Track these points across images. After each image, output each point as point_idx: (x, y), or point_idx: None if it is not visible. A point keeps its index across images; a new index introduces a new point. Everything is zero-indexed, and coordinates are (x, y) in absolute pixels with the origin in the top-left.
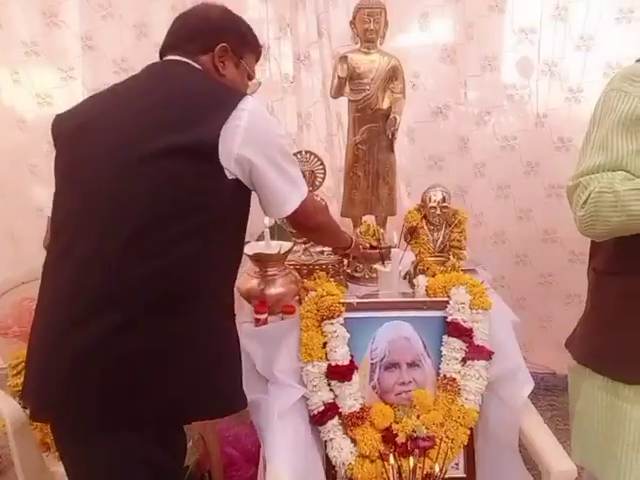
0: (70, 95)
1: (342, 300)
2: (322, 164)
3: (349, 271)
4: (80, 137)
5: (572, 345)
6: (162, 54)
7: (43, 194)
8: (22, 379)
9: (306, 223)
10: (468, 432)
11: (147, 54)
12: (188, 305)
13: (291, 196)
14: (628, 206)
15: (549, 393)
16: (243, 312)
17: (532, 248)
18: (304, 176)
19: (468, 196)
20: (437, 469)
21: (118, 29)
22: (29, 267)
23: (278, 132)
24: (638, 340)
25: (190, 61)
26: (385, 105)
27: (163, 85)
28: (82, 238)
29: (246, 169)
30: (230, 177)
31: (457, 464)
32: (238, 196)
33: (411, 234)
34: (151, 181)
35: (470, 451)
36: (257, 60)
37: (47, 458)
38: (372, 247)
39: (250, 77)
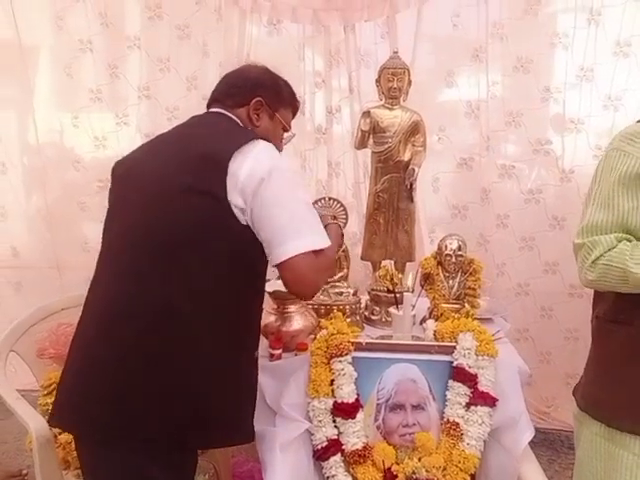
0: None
1: (351, 339)
2: (344, 210)
3: (366, 313)
4: (127, 177)
5: (576, 392)
6: (207, 107)
7: (89, 229)
8: (52, 399)
9: (303, 279)
10: (468, 478)
11: (196, 104)
12: (200, 335)
13: (292, 239)
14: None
15: (572, 452)
16: (260, 346)
17: (558, 302)
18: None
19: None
20: None
21: (173, 81)
22: (69, 295)
23: (286, 174)
24: (629, 388)
25: (227, 112)
26: (406, 157)
27: (194, 132)
28: (117, 260)
29: (247, 210)
30: (242, 222)
31: None
32: (253, 240)
33: (426, 280)
34: (171, 214)
35: None
36: (294, 114)
37: (66, 475)
38: (389, 291)
39: (285, 129)
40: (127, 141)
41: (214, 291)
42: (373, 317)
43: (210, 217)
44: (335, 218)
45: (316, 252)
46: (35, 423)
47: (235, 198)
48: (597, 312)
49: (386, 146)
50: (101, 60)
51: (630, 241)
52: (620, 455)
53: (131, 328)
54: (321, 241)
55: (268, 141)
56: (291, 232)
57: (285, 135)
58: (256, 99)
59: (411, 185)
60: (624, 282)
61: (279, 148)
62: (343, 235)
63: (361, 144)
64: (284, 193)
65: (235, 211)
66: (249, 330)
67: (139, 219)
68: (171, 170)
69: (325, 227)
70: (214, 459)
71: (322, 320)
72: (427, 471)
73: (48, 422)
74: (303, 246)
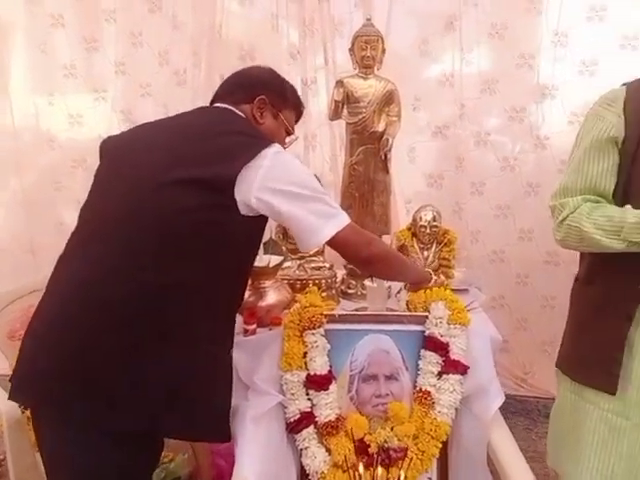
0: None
1: (324, 312)
2: (320, 183)
3: (343, 287)
4: (120, 156)
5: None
6: (211, 103)
7: (65, 209)
8: None
9: (353, 255)
10: (439, 445)
11: (167, 80)
12: (179, 328)
13: (321, 228)
14: (592, 239)
15: (548, 420)
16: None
17: (534, 269)
18: None
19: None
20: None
21: (145, 56)
22: (42, 276)
23: (302, 172)
24: (593, 345)
25: (233, 108)
26: (381, 127)
27: (203, 123)
28: (96, 241)
29: (268, 209)
30: (243, 213)
31: (430, 478)
32: (247, 232)
33: (401, 252)
34: (164, 205)
35: (443, 465)
36: (297, 119)
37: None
38: None
39: (288, 132)
40: (103, 118)
41: (192, 285)
42: (349, 291)
43: (208, 210)
44: None
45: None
46: (5, 405)
47: (247, 196)
48: (577, 275)
49: (360, 116)
50: (75, 35)
51: (597, 202)
52: (586, 409)
53: (101, 314)
54: (345, 218)
55: (271, 140)
56: (326, 214)
57: (287, 139)
58: (260, 97)
59: (385, 156)
60: (581, 241)
61: None
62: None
63: (335, 115)
64: (305, 190)
65: (240, 205)
66: (228, 320)
67: (124, 204)
68: (175, 160)
69: None
70: None
71: (298, 295)
72: (399, 440)
73: (9, 396)
74: (339, 223)
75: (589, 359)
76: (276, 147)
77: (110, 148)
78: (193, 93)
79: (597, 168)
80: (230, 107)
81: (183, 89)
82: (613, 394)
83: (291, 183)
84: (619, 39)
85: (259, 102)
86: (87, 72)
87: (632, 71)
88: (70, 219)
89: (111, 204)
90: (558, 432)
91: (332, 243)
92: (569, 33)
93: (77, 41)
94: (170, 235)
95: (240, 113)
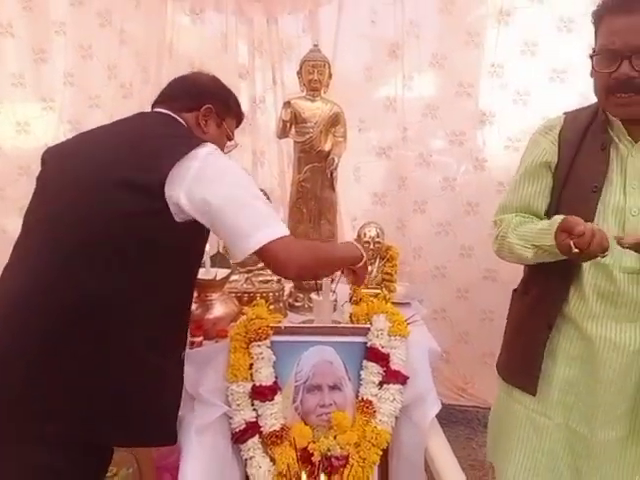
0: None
1: (270, 324)
2: (268, 198)
3: (290, 300)
4: (59, 165)
5: None
6: (152, 107)
7: (8, 219)
8: None
9: (280, 271)
10: (380, 452)
11: (115, 93)
12: (110, 331)
13: (251, 235)
14: (518, 253)
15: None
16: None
17: (473, 284)
18: None
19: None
20: None
21: (94, 69)
22: None
23: (237, 175)
24: (518, 349)
25: (173, 114)
26: (327, 147)
27: (139, 127)
28: (37, 248)
29: (198, 211)
30: (178, 219)
31: None
32: (185, 240)
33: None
34: (101, 211)
35: (384, 471)
36: (238, 125)
37: None
38: None
39: (229, 138)
40: (51, 128)
41: (136, 290)
42: (296, 304)
43: (142, 214)
44: None
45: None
46: None
47: (177, 197)
48: (516, 286)
49: (307, 136)
50: (24, 45)
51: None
52: (514, 408)
53: (44, 322)
54: (280, 231)
55: None
56: (260, 222)
57: (228, 144)
58: (206, 106)
59: (332, 174)
60: (510, 252)
61: None
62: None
63: (283, 133)
64: (240, 191)
65: (172, 209)
66: (174, 330)
67: (65, 210)
68: (109, 164)
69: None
70: (135, 451)
71: (245, 308)
72: (341, 448)
73: None
74: (272, 234)
75: (516, 362)
76: (209, 147)
77: (52, 155)
78: (140, 106)
79: (530, 189)
80: (169, 113)
81: (131, 102)
82: (533, 395)
83: (223, 184)
84: (549, 72)
85: (205, 111)
86: (35, 82)
87: (560, 102)
88: (12, 227)
89: (51, 210)
90: (494, 429)
91: (260, 254)
92: (505, 65)
93: (26, 51)
94: (107, 241)
95: (180, 119)
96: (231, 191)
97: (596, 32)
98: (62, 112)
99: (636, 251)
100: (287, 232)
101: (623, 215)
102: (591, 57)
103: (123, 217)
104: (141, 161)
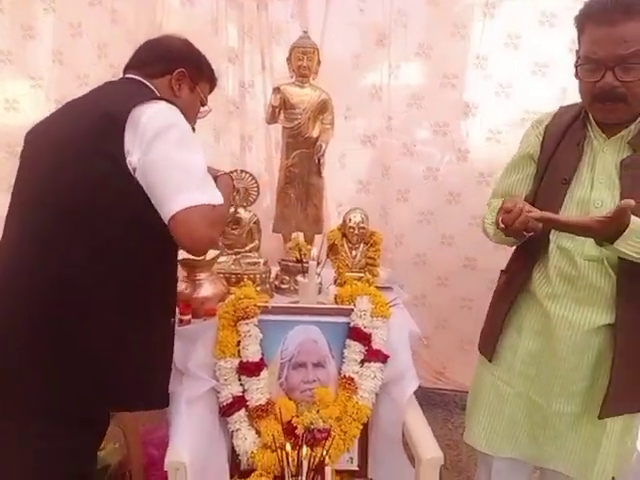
0: None
1: (257, 303)
2: (256, 182)
3: (276, 283)
4: (36, 142)
5: None
6: (124, 72)
7: None
8: None
9: (184, 244)
10: (360, 427)
11: (105, 72)
12: (98, 300)
13: (170, 200)
14: (487, 232)
15: (464, 412)
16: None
17: (453, 272)
18: (237, 192)
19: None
20: (327, 458)
21: (84, 48)
22: None
23: (182, 133)
24: (490, 322)
25: (143, 80)
26: (315, 133)
27: (101, 96)
28: (15, 228)
29: (140, 166)
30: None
31: (352, 458)
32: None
33: (331, 250)
34: (77, 178)
35: (363, 446)
36: (211, 90)
37: None
38: (297, 261)
39: (203, 103)
40: (39, 106)
41: (120, 257)
42: (282, 286)
43: (110, 180)
44: (247, 190)
45: (208, 207)
46: None
47: (133, 155)
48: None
49: (296, 122)
50: (11, 22)
51: None
52: (483, 374)
53: (32, 294)
54: (213, 197)
55: (186, 112)
56: (184, 186)
57: (202, 109)
58: (179, 70)
59: (319, 160)
60: (485, 230)
61: (194, 120)
62: (235, 187)
63: (272, 119)
64: (179, 150)
65: (132, 171)
66: (161, 298)
67: (44, 184)
68: (75, 134)
69: (215, 179)
70: (122, 425)
71: (233, 288)
72: (324, 422)
73: None
74: (194, 199)
75: (484, 332)
76: (161, 104)
77: (33, 133)
78: None
79: (514, 177)
80: (139, 78)
81: None
82: (490, 361)
83: (163, 141)
84: (531, 65)
85: (178, 74)
86: (23, 59)
87: (541, 95)
88: (3, 208)
89: (33, 186)
90: (470, 394)
91: (172, 222)
92: (489, 57)
93: (14, 28)
94: (89, 209)
95: (149, 84)
96: (167, 148)
97: (579, 37)
98: (50, 90)
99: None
100: (202, 200)
101: (587, 207)
102: (575, 66)
103: (102, 185)
104: (99, 127)
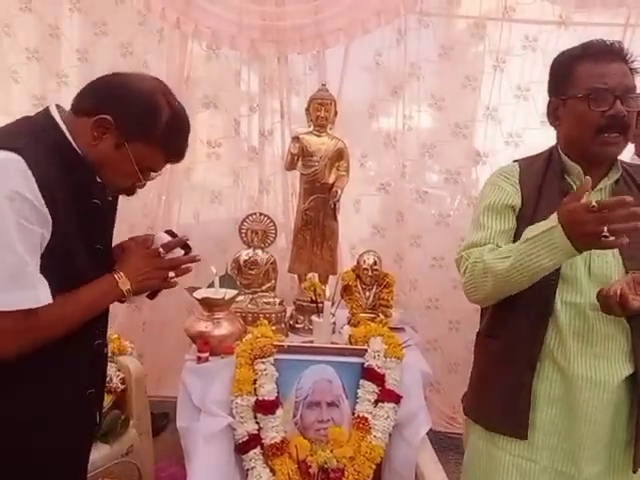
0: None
1: (274, 342)
2: (274, 224)
3: (291, 322)
4: None
5: (463, 399)
6: None
7: None
8: None
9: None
10: (373, 466)
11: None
12: None
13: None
14: (493, 269)
15: None
16: (190, 350)
17: (465, 317)
18: (256, 234)
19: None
20: None
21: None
22: None
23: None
24: (500, 394)
25: (58, 116)
26: (331, 180)
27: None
28: None
29: None
30: None
31: None
32: None
33: (345, 291)
34: None
35: None
36: (170, 161)
37: None
38: (312, 301)
39: (142, 169)
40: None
41: None
42: (297, 325)
43: None
44: (265, 233)
45: (17, 313)
46: None
47: None
48: (479, 329)
49: (313, 169)
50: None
51: None
52: (498, 455)
53: None
54: (25, 300)
55: (106, 170)
56: None
57: (152, 175)
58: (101, 116)
59: (334, 205)
60: (485, 275)
61: (122, 186)
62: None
63: (291, 166)
64: None
65: None
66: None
67: None
68: None
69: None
70: (139, 460)
71: (249, 327)
72: (338, 461)
73: None
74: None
75: (498, 409)
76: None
77: None
78: None
79: (497, 227)
80: (58, 113)
81: None
82: (524, 439)
83: None
84: (540, 116)
85: (98, 121)
86: (51, 57)
87: (549, 144)
88: None
89: None
90: (471, 477)
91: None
92: (499, 108)
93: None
94: None
95: (60, 123)
96: None
97: (567, 79)
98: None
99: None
100: (14, 306)
101: (589, 256)
102: (576, 98)
103: None
104: None
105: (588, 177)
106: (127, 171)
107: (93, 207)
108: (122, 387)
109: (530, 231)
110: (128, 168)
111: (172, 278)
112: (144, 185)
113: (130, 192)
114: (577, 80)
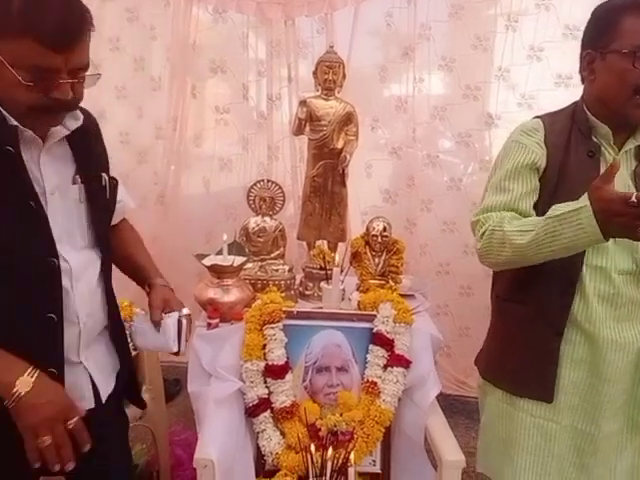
0: None
1: (283, 308)
2: (282, 191)
3: (300, 289)
4: None
5: (479, 363)
6: None
7: None
8: None
9: None
10: (383, 430)
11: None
12: None
13: None
14: (512, 241)
15: None
16: (200, 317)
17: (476, 281)
18: (264, 201)
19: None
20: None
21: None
22: None
23: None
24: (526, 359)
25: None
26: (339, 145)
27: None
28: None
29: None
30: None
31: (374, 461)
32: None
33: (355, 258)
34: None
35: (386, 449)
36: (45, 46)
37: None
38: (321, 268)
39: (31, 72)
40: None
41: None
42: (306, 292)
43: None
44: (273, 199)
45: None
46: None
47: None
48: (496, 292)
49: (321, 134)
50: None
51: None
52: (519, 417)
53: None
54: None
55: None
56: None
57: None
58: None
59: (343, 171)
60: (502, 245)
61: (27, 102)
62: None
63: (298, 131)
64: None
65: None
66: None
67: None
68: None
69: None
70: (152, 425)
71: (258, 294)
72: (347, 424)
73: None
74: None
75: (524, 373)
76: None
77: None
78: (169, 97)
79: (519, 189)
80: None
81: (159, 93)
82: (550, 402)
83: None
84: (554, 77)
85: None
86: None
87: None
88: None
89: None
90: (491, 440)
91: None
92: (511, 69)
93: None
94: None
95: None
96: None
97: (610, 32)
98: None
99: None
100: None
101: None
102: (619, 53)
103: None
104: None
105: (618, 158)
106: (9, 79)
107: (6, 154)
108: (134, 352)
109: (556, 209)
110: (7, 75)
111: None
112: (71, 95)
113: (54, 107)
114: (623, 34)
